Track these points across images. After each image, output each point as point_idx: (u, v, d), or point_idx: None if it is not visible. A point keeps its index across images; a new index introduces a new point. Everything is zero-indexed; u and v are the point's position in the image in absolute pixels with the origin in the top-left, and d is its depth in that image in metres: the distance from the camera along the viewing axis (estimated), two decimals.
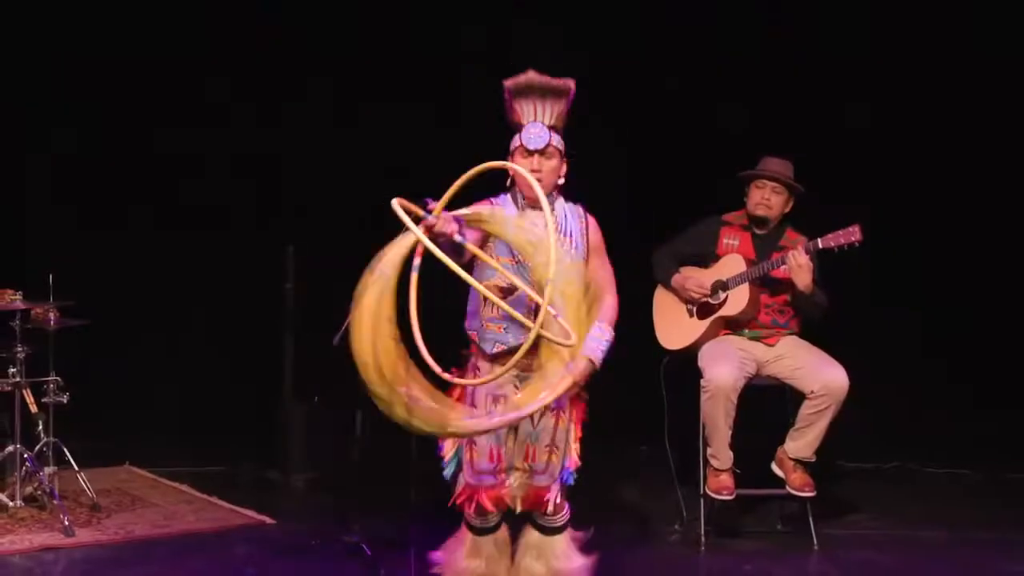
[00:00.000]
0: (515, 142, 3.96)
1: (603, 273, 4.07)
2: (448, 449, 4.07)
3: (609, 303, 4.03)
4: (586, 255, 4.02)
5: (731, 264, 5.58)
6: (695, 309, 5.65)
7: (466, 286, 3.66)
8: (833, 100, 7.31)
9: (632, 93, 7.52)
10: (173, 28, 7.59)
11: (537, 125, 3.91)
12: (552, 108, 3.95)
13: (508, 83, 3.96)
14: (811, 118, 7.22)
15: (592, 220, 4.11)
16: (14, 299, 5.85)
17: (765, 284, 5.55)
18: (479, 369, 4.00)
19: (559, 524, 4.19)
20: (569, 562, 4.18)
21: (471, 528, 4.17)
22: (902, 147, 7.33)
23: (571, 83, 3.96)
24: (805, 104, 7.27)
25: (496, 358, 3.93)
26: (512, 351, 3.71)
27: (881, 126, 7.33)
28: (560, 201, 4.03)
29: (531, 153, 3.91)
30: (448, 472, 4.07)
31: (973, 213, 7.26)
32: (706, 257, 5.65)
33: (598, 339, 3.88)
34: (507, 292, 3.81)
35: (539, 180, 3.77)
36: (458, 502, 4.09)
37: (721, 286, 5.57)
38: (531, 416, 3.85)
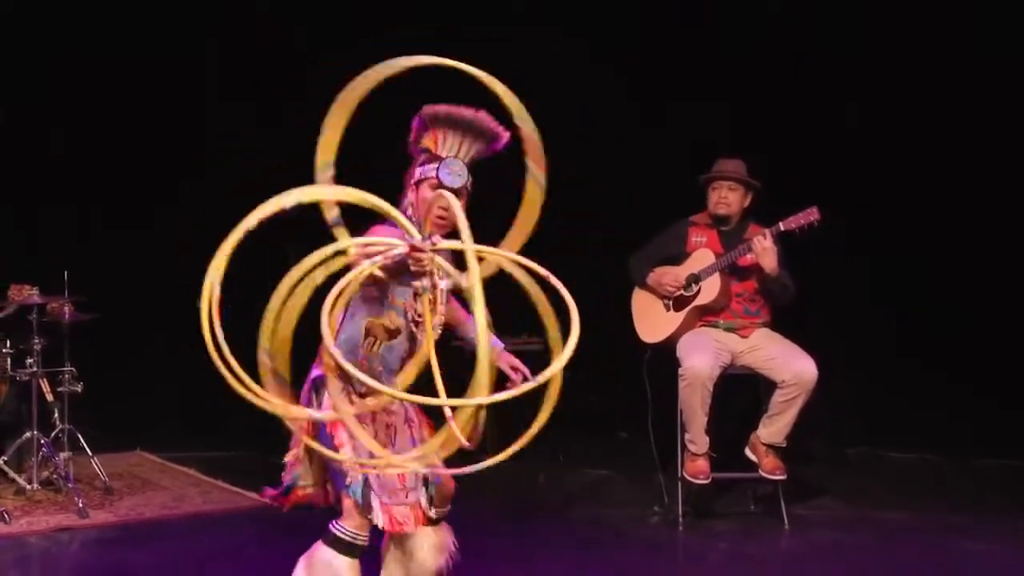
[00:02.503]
0: (425, 172, 3.52)
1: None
2: (354, 474, 3.57)
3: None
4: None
5: (701, 258, 5.65)
6: (671, 303, 5.70)
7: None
8: (821, 101, 7.28)
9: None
10: (177, 30, 7.58)
11: (458, 162, 3.47)
12: (474, 147, 3.53)
13: (431, 110, 3.52)
14: (800, 119, 7.22)
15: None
16: (31, 294, 5.90)
17: (734, 273, 5.61)
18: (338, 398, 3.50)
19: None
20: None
21: (345, 546, 3.60)
22: (887, 150, 7.34)
23: (504, 133, 3.48)
24: (791, 105, 7.27)
25: (363, 396, 3.57)
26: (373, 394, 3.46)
27: (867, 128, 7.31)
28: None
29: (441, 187, 3.43)
30: (357, 495, 3.56)
31: (951, 215, 7.25)
32: (677, 256, 5.72)
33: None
34: (393, 334, 3.56)
35: (445, 221, 3.39)
36: (383, 522, 3.58)
37: (694, 279, 5.63)
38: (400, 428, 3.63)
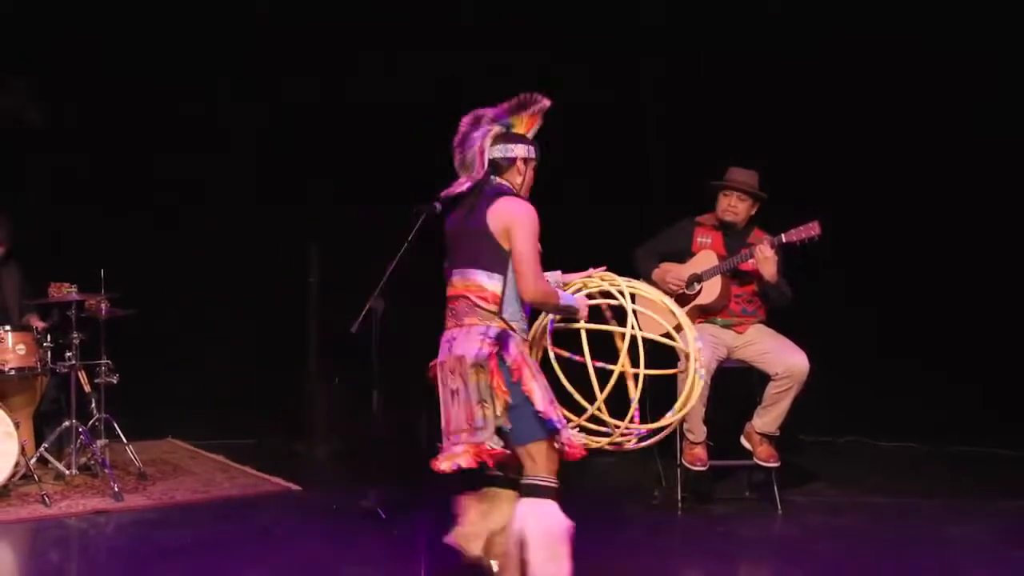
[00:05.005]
0: (531, 153, 3.84)
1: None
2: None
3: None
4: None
5: (704, 259, 5.61)
6: (673, 300, 5.66)
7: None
8: (814, 108, 7.22)
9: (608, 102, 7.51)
10: (195, 46, 7.52)
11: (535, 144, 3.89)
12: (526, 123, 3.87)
13: (535, 99, 3.83)
14: (791, 126, 7.19)
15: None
16: (70, 291, 5.92)
17: (735, 276, 5.58)
18: (512, 350, 3.62)
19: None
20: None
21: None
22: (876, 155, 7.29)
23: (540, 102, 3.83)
24: (787, 112, 7.25)
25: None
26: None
27: (858, 133, 7.25)
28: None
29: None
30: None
31: (932, 222, 7.19)
32: (682, 254, 5.67)
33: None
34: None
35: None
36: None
37: (696, 279, 5.60)
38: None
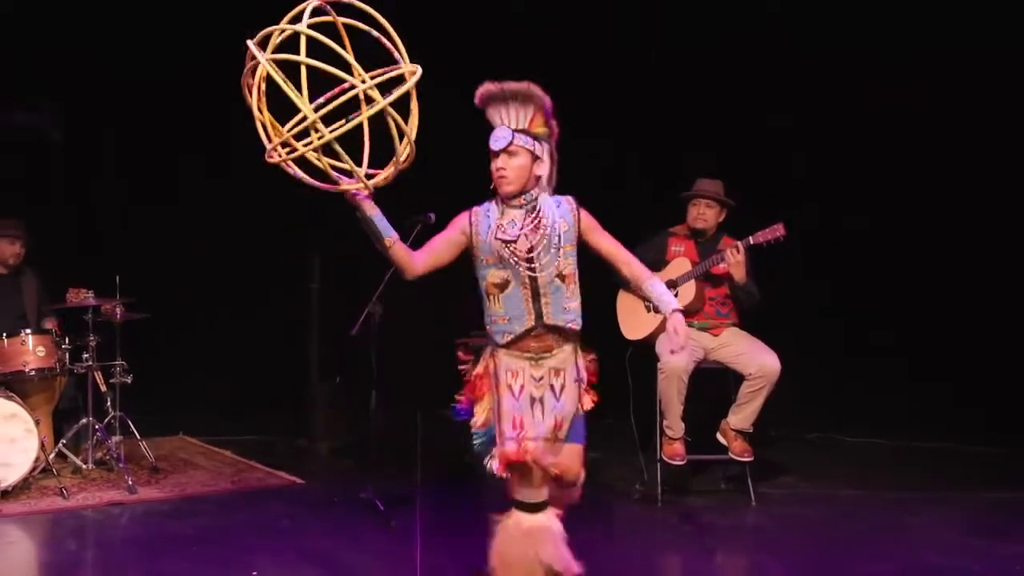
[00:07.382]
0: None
1: (609, 242, 3.74)
2: (481, 424, 3.69)
3: (637, 262, 3.79)
4: (577, 237, 3.68)
5: (679, 266, 5.66)
6: (652, 305, 5.71)
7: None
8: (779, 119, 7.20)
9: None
10: (210, 63, 7.48)
11: (501, 128, 3.58)
12: (518, 112, 3.61)
13: (476, 98, 3.64)
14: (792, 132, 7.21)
15: (583, 210, 3.71)
16: (87, 296, 5.93)
17: (708, 280, 5.63)
18: (496, 359, 3.66)
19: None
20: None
21: (518, 505, 3.65)
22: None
23: (535, 88, 3.60)
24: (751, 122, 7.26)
25: (508, 347, 3.63)
26: (518, 338, 3.60)
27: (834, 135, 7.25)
28: (544, 196, 3.65)
29: (496, 154, 3.58)
30: (479, 445, 3.70)
31: (898, 222, 7.19)
32: (658, 263, 5.71)
33: (665, 292, 3.74)
34: (501, 287, 3.62)
35: (504, 177, 3.58)
36: (500, 473, 3.63)
37: (672, 284, 5.63)
38: (554, 390, 3.65)
